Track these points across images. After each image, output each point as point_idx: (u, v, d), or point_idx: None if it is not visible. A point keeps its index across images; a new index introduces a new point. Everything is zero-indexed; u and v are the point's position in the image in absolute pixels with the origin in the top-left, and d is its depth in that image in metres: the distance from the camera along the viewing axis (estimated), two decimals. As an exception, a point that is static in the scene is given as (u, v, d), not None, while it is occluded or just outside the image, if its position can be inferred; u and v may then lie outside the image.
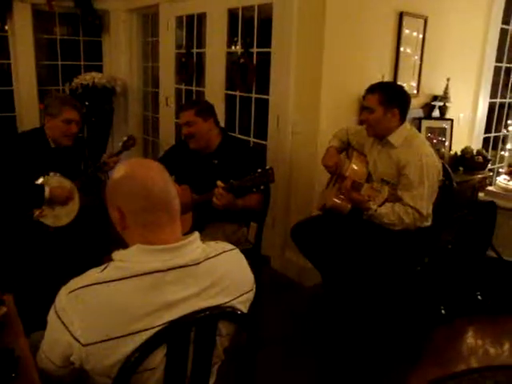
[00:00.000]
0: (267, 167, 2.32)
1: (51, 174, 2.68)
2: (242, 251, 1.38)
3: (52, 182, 2.66)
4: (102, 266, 1.17)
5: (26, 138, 2.82)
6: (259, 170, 2.29)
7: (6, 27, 4.91)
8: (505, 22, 4.30)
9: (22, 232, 2.60)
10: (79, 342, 1.09)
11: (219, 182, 2.35)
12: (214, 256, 1.26)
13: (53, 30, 5.32)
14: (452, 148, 4.02)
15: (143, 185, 1.19)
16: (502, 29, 4.26)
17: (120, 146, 2.96)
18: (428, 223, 2.57)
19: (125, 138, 2.97)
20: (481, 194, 3.94)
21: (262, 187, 2.31)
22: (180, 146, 2.87)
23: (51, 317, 1.14)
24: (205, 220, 2.57)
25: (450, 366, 2.61)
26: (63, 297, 1.13)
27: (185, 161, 2.76)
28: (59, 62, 5.36)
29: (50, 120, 2.74)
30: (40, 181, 2.64)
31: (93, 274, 1.15)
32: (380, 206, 2.45)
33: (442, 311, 3.02)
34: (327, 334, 2.81)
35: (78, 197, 2.76)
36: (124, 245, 1.24)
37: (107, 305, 1.10)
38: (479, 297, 3.17)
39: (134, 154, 5.57)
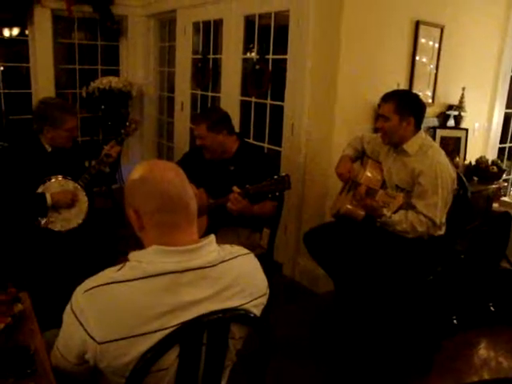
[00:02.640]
0: (284, 174, 2.32)
1: (53, 178, 2.64)
2: (255, 256, 1.39)
3: (53, 187, 2.62)
4: (119, 266, 1.18)
5: (20, 147, 2.74)
6: (275, 177, 2.30)
7: (27, 32, 5.01)
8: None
9: (33, 237, 2.58)
10: (94, 340, 1.10)
11: (235, 188, 2.37)
12: (230, 259, 1.27)
13: (71, 34, 5.39)
14: (467, 158, 3.99)
15: (159, 186, 1.20)
16: (519, 39, 4.24)
17: (122, 133, 2.86)
18: (441, 232, 2.56)
19: (127, 124, 2.87)
20: (495, 205, 3.91)
21: (277, 194, 2.32)
22: (196, 151, 2.88)
23: (67, 315, 1.16)
24: (218, 224, 2.58)
25: (461, 378, 2.59)
26: (79, 295, 1.14)
27: (201, 166, 2.77)
28: (77, 66, 5.44)
29: (51, 130, 2.64)
30: (41, 189, 2.60)
31: (109, 274, 1.17)
32: (394, 212, 2.45)
33: (454, 321, 2.99)
34: (338, 341, 2.80)
35: (85, 196, 2.71)
36: (138, 245, 1.25)
37: (123, 304, 1.12)
38: (492, 308, 3.15)
39: (149, 158, 5.65)
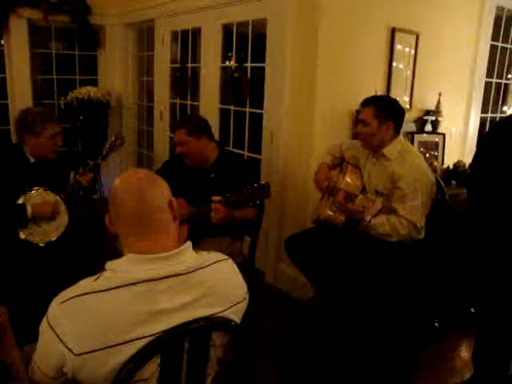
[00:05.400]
0: (263, 182, 2.32)
1: (34, 190, 2.60)
2: (236, 265, 1.38)
3: (34, 199, 2.58)
4: (95, 276, 1.17)
5: (2, 157, 2.70)
6: (255, 185, 2.30)
7: (2, 42, 4.95)
8: (494, 38, 4.36)
9: (11, 249, 2.54)
10: (72, 351, 1.08)
11: (214, 197, 2.36)
12: (207, 266, 1.26)
13: (49, 44, 5.35)
14: (444, 162, 4.04)
15: (123, 196, 1.23)
16: (491, 45, 4.33)
17: (107, 148, 2.86)
18: (421, 236, 2.58)
19: (112, 139, 2.86)
20: (473, 208, 3.95)
21: (257, 202, 2.32)
22: (177, 159, 2.87)
23: (43, 327, 1.14)
24: (199, 233, 2.57)
25: (443, 380, 2.61)
26: (55, 307, 1.13)
27: (181, 174, 2.76)
28: (54, 76, 5.40)
29: (32, 138, 2.62)
30: (21, 200, 2.55)
31: (85, 284, 1.16)
32: (374, 216, 2.46)
33: (436, 324, 3.01)
34: (321, 347, 2.80)
35: (65, 209, 2.67)
36: (118, 255, 1.24)
37: (99, 314, 1.11)
38: (472, 310, 3.17)
39: (128, 168, 5.60)
